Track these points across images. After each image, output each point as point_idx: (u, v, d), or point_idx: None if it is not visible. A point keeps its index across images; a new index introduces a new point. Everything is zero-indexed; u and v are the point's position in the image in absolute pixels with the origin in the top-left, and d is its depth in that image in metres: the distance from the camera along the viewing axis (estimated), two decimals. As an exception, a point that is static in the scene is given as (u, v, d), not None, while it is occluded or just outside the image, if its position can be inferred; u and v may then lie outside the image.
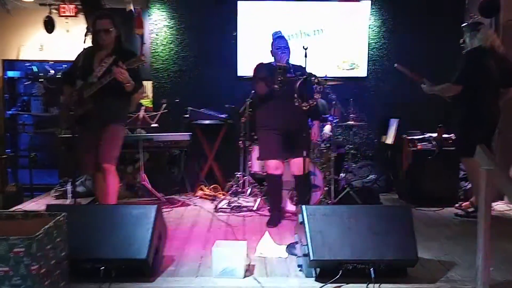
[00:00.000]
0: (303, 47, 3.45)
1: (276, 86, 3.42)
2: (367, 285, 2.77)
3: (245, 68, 5.73)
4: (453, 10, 5.73)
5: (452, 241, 3.75)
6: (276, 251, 3.39)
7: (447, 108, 5.53)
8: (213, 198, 5.14)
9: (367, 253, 2.81)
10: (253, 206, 4.71)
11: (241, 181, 5.04)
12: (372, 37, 5.81)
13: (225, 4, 5.67)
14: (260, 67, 4.19)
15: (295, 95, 3.33)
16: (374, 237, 2.85)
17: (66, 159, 5.43)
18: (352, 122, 4.92)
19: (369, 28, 5.78)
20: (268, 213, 4.55)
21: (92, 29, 3.75)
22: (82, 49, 3.92)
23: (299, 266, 3.04)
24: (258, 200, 4.73)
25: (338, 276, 2.77)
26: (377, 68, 5.86)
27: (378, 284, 2.78)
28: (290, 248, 3.41)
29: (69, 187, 5.07)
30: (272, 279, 2.92)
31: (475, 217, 4.44)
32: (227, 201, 4.85)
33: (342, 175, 5.08)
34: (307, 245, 2.81)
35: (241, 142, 5.08)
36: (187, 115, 5.42)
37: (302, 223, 2.91)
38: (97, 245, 2.79)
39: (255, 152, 5.05)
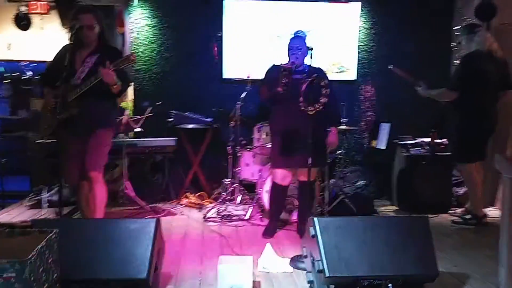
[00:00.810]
0: (309, 47, 3.25)
1: (279, 89, 3.19)
2: (386, 302, 2.60)
3: (231, 70, 5.51)
4: (442, 12, 5.68)
5: (457, 251, 3.63)
6: (280, 265, 3.18)
7: (438, 112, 5.50)
8: (200, 206, 4.88)
9: (386, 268, 2.62)
10: (244, 215, 4.48)
11: (229, 189, 4.79)
12: (361, 40, 5.68)
13: (210, 3, 5.42)
14: (270, 70, 3.92)
15: (300, 98, 3.11)
16: (392, 251, 2.67)
17: (40, 166, 5.07)
18: (344, 127, 4.75)
19: (359, 30, 5.64)
20: (260, 222, 4.35)
21: (73, 25, 3.43)
22: (61, 48, 3.62)
23: (310, 282, 2.83)
24: (250, 209, 4.51)
25: (355, 294, 2.58)
26: (367, 71, 5.74)
27: (397, 301, 2.61)
28: (295, 262, 3.22)
29: (44, 196, 4.72)
30: (282, 297, 2.71)
31: (473, 224, 4.41)
32: (216, 210, 4.59)
33: (332, 181, 4.91)
34: (321, 260, 2.61)
35: (229, 147, 4.84)
36: (171, 119, 5.14)
37: (315, 236, 2.70)
38: (92, 265, 2.51)
39: (245, 157, 4.84)
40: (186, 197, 5.04)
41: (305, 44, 3.72)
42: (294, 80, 3.32)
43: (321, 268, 2.60)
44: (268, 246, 3.39)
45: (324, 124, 3.68)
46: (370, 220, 2.84)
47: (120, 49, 5.20)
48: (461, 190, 5.08)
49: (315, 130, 3.26)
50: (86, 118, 3.32)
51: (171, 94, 5.47)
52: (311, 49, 3.22)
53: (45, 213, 4.59)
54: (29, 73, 5.30)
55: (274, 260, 3.23)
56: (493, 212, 4.78)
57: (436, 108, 5.53)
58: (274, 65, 3.92)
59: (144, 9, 5.52)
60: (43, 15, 5.56)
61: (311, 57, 3.24)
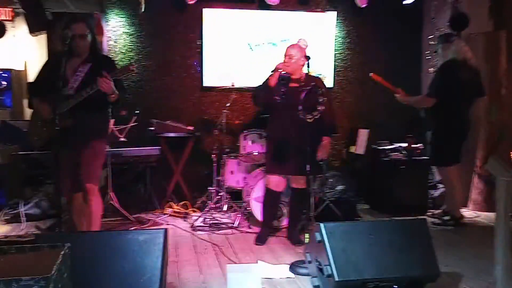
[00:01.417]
0: (306, 57, 3.32)
1: (277, 97, 3.24)
2: (391, 303, 2.68)
3: (211, 78, 5.51)
4: (413, 22, 5.90)
5: (444, 251, 3.75)
6: (280, 271, 3.22)
7: (412, 119, 5.71)
8: (184, 216, 4.85)
9: (391, 270, 2.72)
10: (231, 223, 4.49)
11: (215, 197, 4.78)
12: (337, 48, 5.82)
13: (189, 11, 5.41)
14: (268, 78, 3.95)
15: (299, 107, 3.17)
16: (396, 253, 2.77)
17: (15, 179, 4.90)
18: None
19: (335, 39, 5.78)
20: (249, 230, 4.38)
21: (66, 35, 3.36)
22: (50, 57, 3.54)
23: (316, 287, 2.88)
24: (239, 217, 4.52)
25: (363, 297, 2.65)
26: (342, 79, 5.88)
27: (401, 302, 2.70)
28: (296, 268, 3.26)
29: (22, 209, 4.57)
30: (291, 303, 2.74)
31: (451, 225, 4.60)
32: (203, 218, 4.58)
33: (315, 187, 4.98)
34: (329, 265, 2.67)
35: (214, 155, 4.84)
36: (152, 128, 5.08)
37: (321, 241, 2.76)
38: (102, 279, 2.47)
39: (229, 165, 4.85)
40: (170, 206, 4.99)
41: (300, 52, 3.74)
42: (290, 89, 3.37)
43: (330, 272, 2.66)
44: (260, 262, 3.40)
45: (319, 132, 3.73)
46: (373, 224, 2.93)
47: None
48: (436, 193, 5.28)
49: (311, 138, 3.34)
50: (80, 129, 3.25)
51: (150, 103, 5.41)
52: (309, 58, 3.28)
53: (25, 227, 4.43)
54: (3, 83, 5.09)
55: (273, 267, 3.26)
56: (466, 213, 4.99)
57: (409, 115, 5.74)
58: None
59: (122, 17, 5.44)
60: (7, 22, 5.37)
61: (308, 66, 3.31)
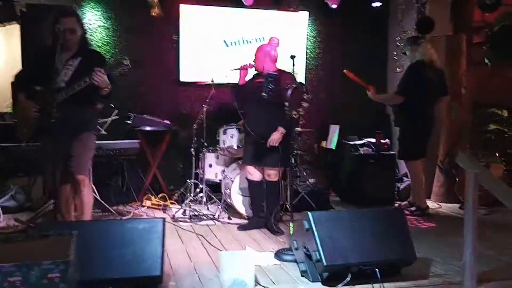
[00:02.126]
0: (291, 56, 3.52)
1: (264, 94, 3.45)
2: (373, 285, 2.91)
3: (188, 73, 5.61)
4: (379, 24, 6.23)
5: (414, 239, 4.03)
6: (266, 259, 3.39)
7: (379, 115, 6.03)
8: (163, 208, 4.95)
9: (373, 255, 2.95)
10: (212, 214, 4.64)
11: (194, 189, 4.91)
12: (308, 47, 6.04)
13: (166, 7, 5.48)
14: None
15: (286, 103, 3.36)
16: (377, 239, 3.00)
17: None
18: (300, 129, 5.05)
19: (307, 38, 6.00)
20: (230, 221, 4.54)
21: (57, 28, 3.40)
22: (37, 50, 3.57)
23: (303, 272, 3.08)
24: (219, 208, 4.67)
25: (349, 279, 2.87)
26: (313, 77, 6.11)
27: (382, 284, 2.93)
28: (281, 255, 3.44)
29: (-1, 202, 4.56)
30: (282, 287, 2.92)
31: (418, 215, 4.92)
32: (183, 210, 4.70)
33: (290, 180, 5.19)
34: (317, 251, 2.87)
35: (192, 148, 4.96)
36: (129, 121, 5.14)
37: (309, 229, 2.95)
38: (105, 265, 2.57)
39: (208, 158, 4.98)
40: (149, 198, 5.07)
41: (276, 50, 4.03)
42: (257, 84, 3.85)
43: (318, 258, 2.86)
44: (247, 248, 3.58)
45: (288, 127, 3.97)
46: (355, 213, 3.16)
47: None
48: (402, 185, 5.61)
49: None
50: (71, 121, 3.30)
51: (126, 97, 5.44)
52: (294, 56, 3.48)
53: (2, 219, 4.41)
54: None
55: (260, 254, 3.44)
56: (430, 204, 5.33)
57: (376, 111, 6.06)
58: (255, 74, 4.27)
59: (97, 10, 5.46)
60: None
61: (293, 65, 3.51)
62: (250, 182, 4.24)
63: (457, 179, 5.27)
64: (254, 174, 4.21)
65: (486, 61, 5.74)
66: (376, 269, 2.91)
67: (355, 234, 2.99)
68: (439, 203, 5.43)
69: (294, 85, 3.37)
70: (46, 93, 3.29)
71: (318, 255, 2.86)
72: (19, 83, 3.54)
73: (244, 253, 3.03)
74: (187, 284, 2.94)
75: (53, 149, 3.32)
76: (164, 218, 2.81)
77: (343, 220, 3.03)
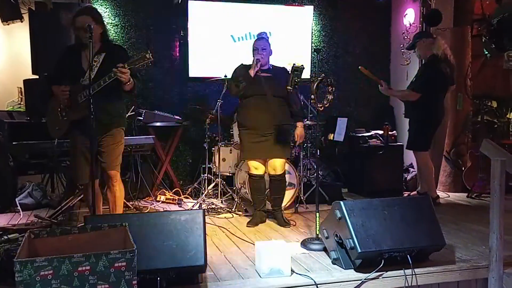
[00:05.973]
0: (315, 50, 3.60)
1: (289, 88, 3.53)
2: (404, 271, 3.01)
3: (197, 69, 5.65)
4: (382, 18, 6.32)
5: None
6: (293, 248, 3.47)
7: (382, 108, 6.15)
8: (178, 202, 4.99)
9: (404, 241, 3.03)
10: (227, 207, 4.70)
11: (209, 183, 4.96)
12: (314, 41, 6.12)
13: (175, 3, 5.51)
14: (238, 68, 4.22)
15: (312, 96, 3.44)
16: (407, 226, 3.09)
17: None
18: (310, 122, 5.14)
19: (312, 32, 6.08)
20: (246, 213, 4.60)
21: (72, 28, 3.44)
22: (64, 48, 3.59)
23: (335, 259, 3.15)
24: (234, 201, 4.73)
25: (381, 265, 2.96)
26: (318, 71, 6.16)
27: (413, 270, 3.03)
28: (307, 243, 3.52)
29: (17, 199, 4.55)
30: (317, 274, 2.99)
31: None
32: (199, 204, 4.74)
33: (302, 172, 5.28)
34: (351, 238, 2.95)
35: (205, 143, 5.01)
36: (141, 118, 5.17)
37: (341, 218, 3.04)
38: (153, 255, 2.62)
39: (221, 152, 5.03)
40: (163, 193, 5.11)
41: (269, 44, 4.15)
42: (261, 78, 3.93)
43: (352, 245, 2.94)
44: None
45: (288, 119, 4.14)
46: (385, 201, 3.22)
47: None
48: (409, 176, 5.74)
49: (282, 125, 3.99)
50: (100, 118, 3.32)
51: (137, 93, 5.46)
52: (319, 50, 3.59)
53: (22, 216, 4.40)
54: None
55: (288, 244, 3.50)
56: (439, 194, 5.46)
57: (380, 104, 6.19)
58: (242, 64, 4.27)
59: (106, 8, 5.45)
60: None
61: (317, 59, 3.59)
62: (254, 177, 4.21)
63: (463, 168, 5.41)
64: (259, 168, 4.20)
65: (485, 52, 5.88)
66: (408, 255, 3.02)
67: (386, 221, 3.07)
68: (447, 193, 5.56)
69: (319, 78, 3.45)
70: (75, 89, 3.32)
71: (352, 242, 2.94)
72: (49, 81, 3.55)
73: (280, 242, 3.09)
74: (224, 273, 3.00)
75: (82, 146, 3.36)
76: (204, 209, 2.86)
77: (374, 208, 3.11)
